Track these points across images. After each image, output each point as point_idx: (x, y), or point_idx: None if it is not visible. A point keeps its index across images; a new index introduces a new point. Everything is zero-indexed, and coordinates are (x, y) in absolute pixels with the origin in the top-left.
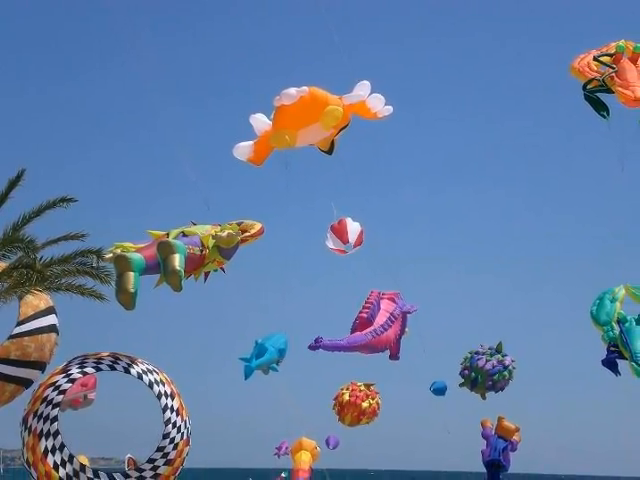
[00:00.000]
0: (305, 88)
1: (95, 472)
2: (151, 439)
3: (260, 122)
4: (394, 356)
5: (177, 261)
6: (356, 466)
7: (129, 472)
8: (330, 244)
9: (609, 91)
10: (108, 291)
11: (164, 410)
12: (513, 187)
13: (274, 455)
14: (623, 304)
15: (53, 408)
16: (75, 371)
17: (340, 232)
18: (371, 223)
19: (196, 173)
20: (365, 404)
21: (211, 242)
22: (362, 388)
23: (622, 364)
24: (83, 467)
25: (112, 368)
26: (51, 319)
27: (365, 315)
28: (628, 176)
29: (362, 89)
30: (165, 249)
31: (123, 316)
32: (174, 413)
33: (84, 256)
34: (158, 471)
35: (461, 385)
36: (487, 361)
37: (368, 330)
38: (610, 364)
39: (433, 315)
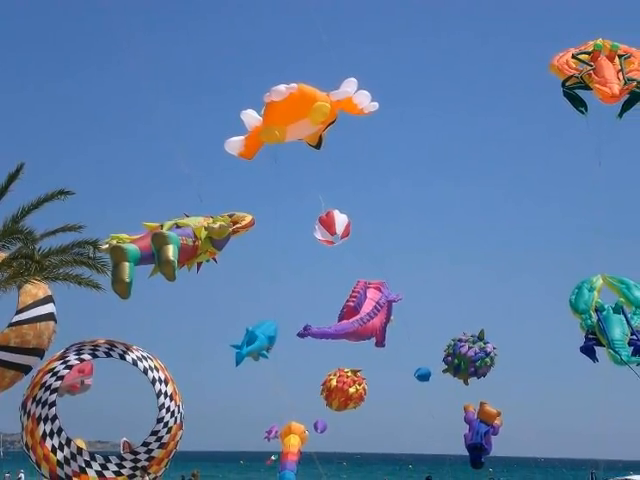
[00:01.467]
0: (294, 85)
1: (92, 455)
2: (146, 423)
3: (251, 118)
4: (380, 343)
5: (171, 252)
6: (343, 449)
7: (124, 455)
8: (318, 235)
9: (587, 88)
10: (104, 280)
11: (158, 395)
12: (495, 180)
13: (264, 439)
14: (600, 293)
15: (51, 393)
16: (72, 358)
17: (328, 224)
18: (358, 215)
19: (189, 167)
20: (352, 390)
21: (203, 233)
22: (349, 374)
23: (600, 351)
24: (80, 450)
25: (108, 355)
26: (49, 307)
27: (352, 304)
28: (605, 170)
29: (349, 86)
30: (159, 240)
31: (119, 305)
32: (168, 398)
33: (81, 247)
34: (152, 454)
35: (444, 371)
36: (469, 348)
37: (355, 318)
38: (588, 351)
39: (417, 304)
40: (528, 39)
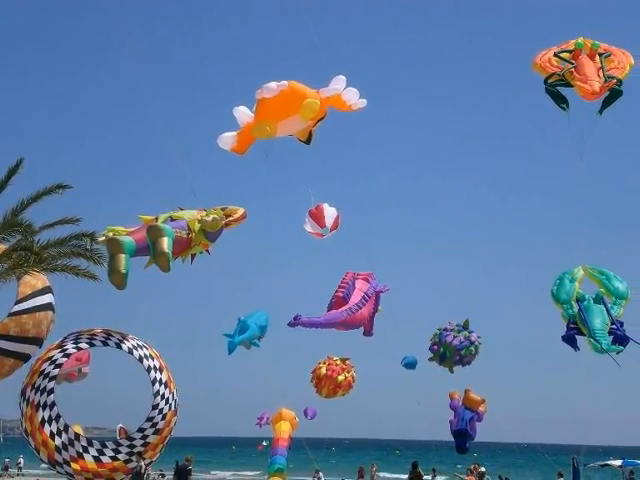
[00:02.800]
0: (285, 82)
1: (89, 440)
2: (141, 410)
3: (243, 114)
4: (368, 332)
5: (165, 244)
6: (333, 435)
7: (120, 441)
8: (308, 228)
9: (569, 85)
10: (101, 272)
11: (153, 383)
12: (479, 175)
13: (256, 425)
14: (581, 284)
15: (50, 381)
16: (70, 346)
17: (317, 217)
18: (346, 208)
19: (184, 162)
20: (341, 377)
21: (197, 226)
22: (338, 362)
23: (581, 340)
24: (77, 436)
25: (105, 344)
26: (48, 298)
27: (341, 294)
28: (587, 164)
29: (338, 83)
30: (154, 232)
31: (115, 295)
32: (162, 386)
33: (79, 239)
34: (148, 440)
35: (430, 359)
36: (455, 337)
37: (344, 308)
38: (570, 340)
39: (404, 294)
40: (512, 39)
